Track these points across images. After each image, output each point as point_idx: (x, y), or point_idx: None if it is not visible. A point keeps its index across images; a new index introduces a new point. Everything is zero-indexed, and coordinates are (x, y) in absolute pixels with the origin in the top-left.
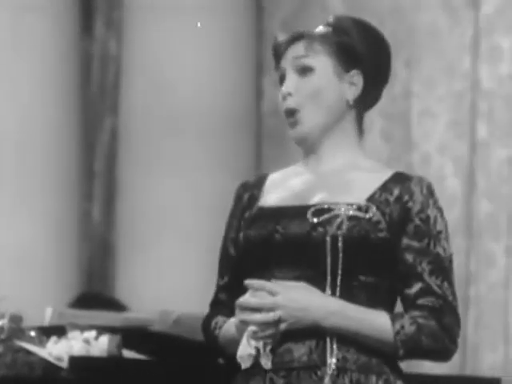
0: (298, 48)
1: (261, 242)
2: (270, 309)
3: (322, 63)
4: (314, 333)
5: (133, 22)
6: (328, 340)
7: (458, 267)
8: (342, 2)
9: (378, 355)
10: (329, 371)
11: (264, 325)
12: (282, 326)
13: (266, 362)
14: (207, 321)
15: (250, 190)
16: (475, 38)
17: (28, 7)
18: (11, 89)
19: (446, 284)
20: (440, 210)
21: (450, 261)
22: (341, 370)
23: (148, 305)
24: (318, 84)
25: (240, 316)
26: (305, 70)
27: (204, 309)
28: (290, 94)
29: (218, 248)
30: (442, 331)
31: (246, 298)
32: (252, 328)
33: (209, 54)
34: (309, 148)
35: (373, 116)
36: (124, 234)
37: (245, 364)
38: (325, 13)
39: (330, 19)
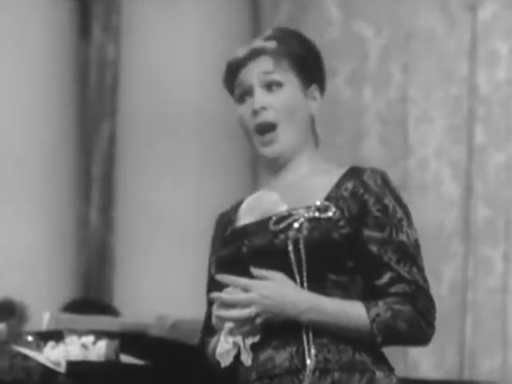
0: (265, 63)
1: (230, 259)
2: (245, 305)
3: (290, 80)
4: (295, 339)
5: (130, 27)
6: (305, 341)
7: (456, 272)
8: (338, 6)
9: (362, 353)
10: (308, 372)
11: (240, 321)
12: (258, 321)
13: (247, 359)
14: (204, 349)
15: (228, 216)
16: (472, 43)
17: (26, 12)
18: (8, 94)
19: (414, 269)
20: (397, 198)
21: (416, 246)
22: (322, 371)
23: (145, 309)
24: (289, 100)
25: (216, 312)
26: (272, 86)
27: (201, 314)
28: (264, 108)
29: None
30: (417, 315)
31: (220, 294)
32: (228, 325)
33: (206, 59)
34: (280, 165)
35: (370, 121)
36: (122, 239)
37: (224, 362)
38: (321, 18)
39: (270, 32)
